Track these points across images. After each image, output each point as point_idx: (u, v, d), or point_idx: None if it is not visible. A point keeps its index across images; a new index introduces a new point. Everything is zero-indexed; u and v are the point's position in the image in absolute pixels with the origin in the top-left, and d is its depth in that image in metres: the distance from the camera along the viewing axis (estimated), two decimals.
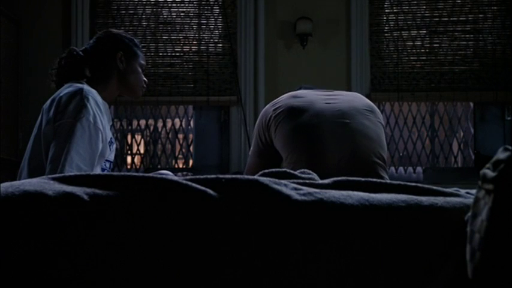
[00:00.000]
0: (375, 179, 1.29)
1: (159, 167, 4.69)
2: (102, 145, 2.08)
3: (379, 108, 2.28)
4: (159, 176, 1.19)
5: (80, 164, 1.96)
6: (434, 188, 1.25)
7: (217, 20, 4.69)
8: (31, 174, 2.02)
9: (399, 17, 4.64)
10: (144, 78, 2.37)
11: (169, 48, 4.66)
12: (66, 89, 2.12)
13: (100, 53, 2.28)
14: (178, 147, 4.78)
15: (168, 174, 1.63)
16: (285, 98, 2.23)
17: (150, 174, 1.22)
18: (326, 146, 2.05)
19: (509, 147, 1.00)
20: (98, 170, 2.05)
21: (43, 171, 1.99)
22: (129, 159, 4.92)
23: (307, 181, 1.27)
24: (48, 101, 2.13)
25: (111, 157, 2.21)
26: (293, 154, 2.07)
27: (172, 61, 4.66)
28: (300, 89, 2.40)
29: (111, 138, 2.18)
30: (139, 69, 2.34)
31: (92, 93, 2.10)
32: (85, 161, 1.98)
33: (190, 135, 4.85)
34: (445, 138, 4.71)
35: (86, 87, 2.12)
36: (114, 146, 2.23)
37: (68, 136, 1.98)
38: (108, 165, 2.17)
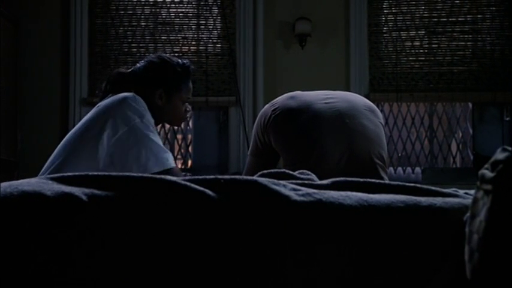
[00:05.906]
0: (373, 180, 1.29)
1: None
2: None
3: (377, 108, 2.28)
4: (157, 176, 1.19)
5: (166, 155, 2.04)
6: (433, 188, 1.25)
7: (216, 20, 4.68)
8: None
9: (398, 18, 4.64)
10: (188, 107, 2.30)
11: (168, 48, 4.66)
12: (111, 98, 2.12)
13: (144, 82, 2.22)
14: (177, 147, 4.78)
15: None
16: (283, 99, 2.23)
17: (149, 175, 1.22)
18: (325, 147, 2.04)
19: (508, 148, 1.00)
20: None
21: None
22: None
23: (306, 182, 1.27)
24: (93, 110, 2.12)
25: None
26: (292, 155, 2.07)
27: None
28: None
29: None
30: (180, 104, 2.25)
31: (138, 97, 2.11)
32: (163, 149, 2.06)
33: (189, 136, 4.85)
34: (444, 139, 4.71)
35: (130, 93, 2.12)
36: None
37: (142, 136, 2.02)
38: None
